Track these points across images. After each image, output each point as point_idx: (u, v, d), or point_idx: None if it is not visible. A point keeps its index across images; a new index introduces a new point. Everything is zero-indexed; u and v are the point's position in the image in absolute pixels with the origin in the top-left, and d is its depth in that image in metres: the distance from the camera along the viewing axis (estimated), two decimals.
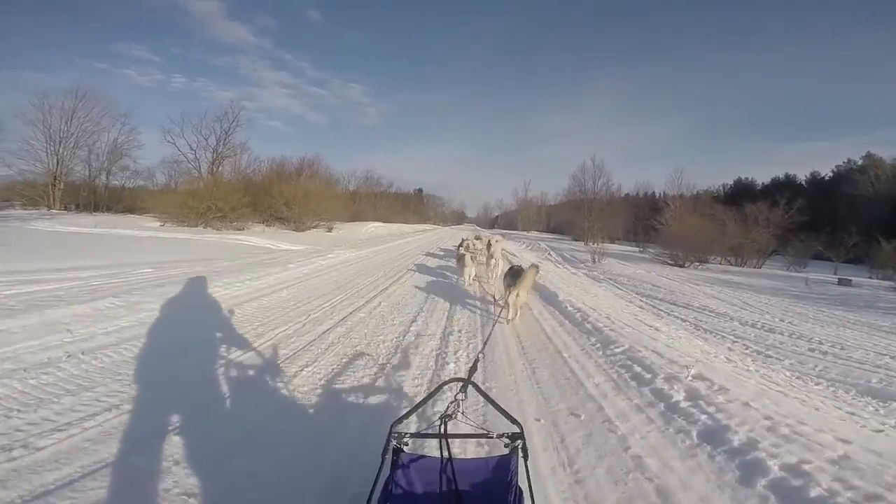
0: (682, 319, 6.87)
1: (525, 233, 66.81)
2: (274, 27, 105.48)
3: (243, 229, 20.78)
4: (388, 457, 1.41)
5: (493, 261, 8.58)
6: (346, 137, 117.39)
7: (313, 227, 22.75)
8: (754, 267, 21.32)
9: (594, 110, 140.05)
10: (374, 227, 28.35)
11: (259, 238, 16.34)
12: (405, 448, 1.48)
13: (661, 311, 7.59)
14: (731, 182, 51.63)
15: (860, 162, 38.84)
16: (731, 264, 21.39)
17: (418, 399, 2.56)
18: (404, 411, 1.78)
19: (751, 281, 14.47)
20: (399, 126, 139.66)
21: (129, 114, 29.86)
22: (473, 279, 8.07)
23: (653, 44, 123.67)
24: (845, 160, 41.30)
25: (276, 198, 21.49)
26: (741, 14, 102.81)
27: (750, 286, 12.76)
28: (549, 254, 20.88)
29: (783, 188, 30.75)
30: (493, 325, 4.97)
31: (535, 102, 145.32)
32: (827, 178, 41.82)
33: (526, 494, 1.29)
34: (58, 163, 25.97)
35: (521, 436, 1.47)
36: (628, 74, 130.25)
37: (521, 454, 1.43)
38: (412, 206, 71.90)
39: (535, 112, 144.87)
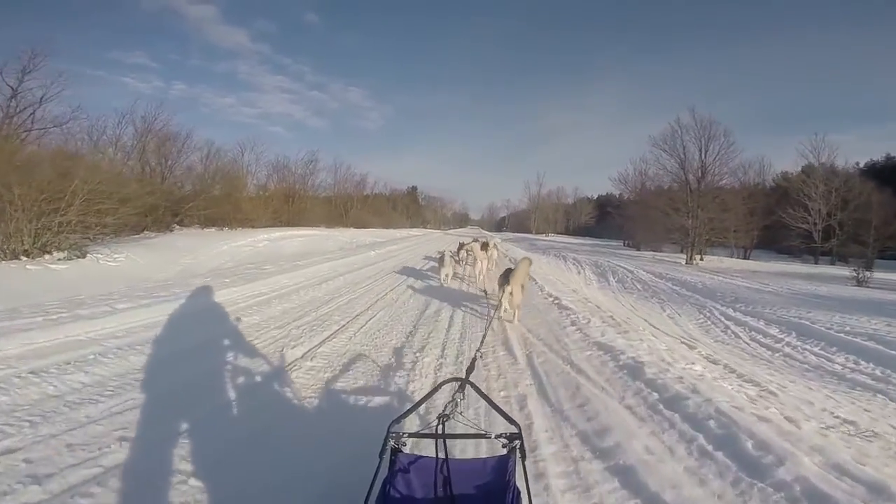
0: None
1: (544, 237, 52.81)
2: (272, 31, 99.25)
3: None
4: (386, 457, 1.37)
5: (477, 262, 8.38)
6: (348, 142, 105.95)
7: (55, 249, 8.64)
8: None
9: (609, 104, 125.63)
10: (290, 240, 14.00)
11: None
12: (403, 449, 1.46)
13: None
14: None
15: None
16: None
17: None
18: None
19: None
20: (400, 128, 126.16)
21: None
22: (452, 278, 8.17)
23: (668, 33, 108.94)
24: None
25: None
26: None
27: None
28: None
29: None
30: (488, 326, 4.19)
31: (542, 98, 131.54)
32: None
33: (524, 494, 1.27)
34: None
35: (518, 436, 1.43)
36: (643, 63, 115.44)
37: (518, 454, 1.39)
38: (401, 207, 57.47)
39: (543, 108, 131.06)
